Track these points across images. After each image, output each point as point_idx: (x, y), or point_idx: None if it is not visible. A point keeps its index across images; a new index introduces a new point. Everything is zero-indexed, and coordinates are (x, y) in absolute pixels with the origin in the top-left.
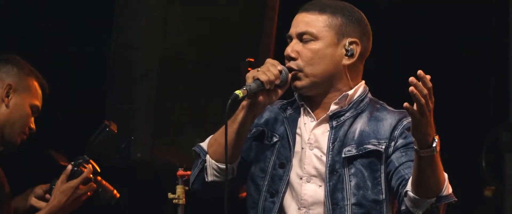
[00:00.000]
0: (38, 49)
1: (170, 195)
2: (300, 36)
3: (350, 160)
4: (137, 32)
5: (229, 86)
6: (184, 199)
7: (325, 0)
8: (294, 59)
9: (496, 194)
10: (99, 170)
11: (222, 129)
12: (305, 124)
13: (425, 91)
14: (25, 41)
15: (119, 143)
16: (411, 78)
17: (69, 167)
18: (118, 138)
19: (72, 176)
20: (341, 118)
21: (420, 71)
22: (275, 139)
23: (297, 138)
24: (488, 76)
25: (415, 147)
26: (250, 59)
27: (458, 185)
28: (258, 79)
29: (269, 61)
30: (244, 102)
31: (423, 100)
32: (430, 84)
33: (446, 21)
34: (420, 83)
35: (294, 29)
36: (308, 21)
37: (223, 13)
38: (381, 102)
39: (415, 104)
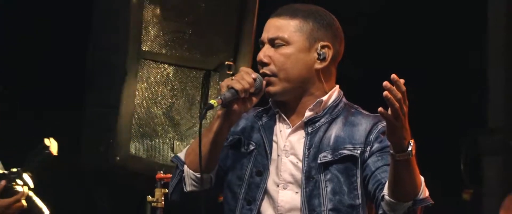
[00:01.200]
0: (14, 50)
1: (149, 198)
2: (272, 41)
3: (325, 166)
4: (115, 34)
5: (208, 89)
6: (163, 202)
7: (297, 5)
8: (266, 64)
9: (474, 197)
10: (32, 186)
11: (197, 138)
12: (280, 131)
13: (399, 95)
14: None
15: (98, 145)
16: (385, 83)
17: (3, 182)
18: (98, 141)
19: (5, 192)
20: (316, 124)
21: (393, 76)
22: (251, 147)
23: (274, 145)
24: (467, 81)
25: (391, 151)
26: (230, 62)
27: (437, 189)
28: (232, 88)
29: (243, 69)
30: (219, 112)
31: (397, 104)
32: (403, 88)
33: (424, 26)
34: (394, 87)
35: (265, 34)
36: (280, 26)
37: (202, 16)
38: (356, 106)
39: (389, 109)
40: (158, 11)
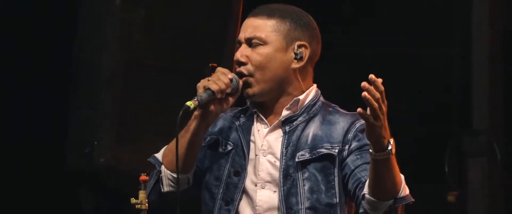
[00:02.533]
0: (1, 52)
1: (133, 200)
2: (249, 41)
3: (303, 164)
4: (101, 36)
5: (193, 92)
6: (146, 205)
7: (274, 5)
8: (244, 64)
9: (459, 199)
10: None
11: (174, 139)
12: (258, 130)
13: (377, 95)
14: None
15: (83, 147)
16: (363, 83)
17: None
18: (82, 142)
19: None
20: (294, 123)
21: (371, 76)
22: (229, 147)
23: (251, 145)
24: (451, 82)
25: (371, 150)
26: (214, 64)
27: (421, 191)
28: (209, 89)
29: (220, 69)
30: (196, 112)
31: (375, 104)
32: (382, 88)
33: (410, 26)
34: (372, 87)
35: (242, 34)
36: (256, 25)
37: (187, 18)
38: (334, 105)
39: (368, 109)
40: (143, 13)
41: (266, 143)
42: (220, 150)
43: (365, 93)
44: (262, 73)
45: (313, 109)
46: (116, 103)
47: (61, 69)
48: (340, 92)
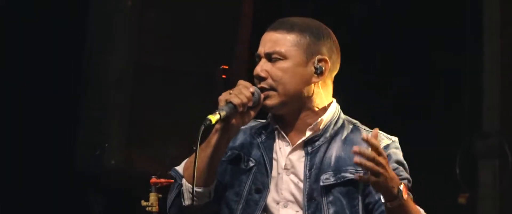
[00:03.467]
0: (9, 53)
1: (143, 203)
2: (269, 56)
3: (328, 188)
4: (111, 38)
5: (203, 93)
6: (157, 207)
7: (294, 18)
8: (264, 78)
9: (470, 201)
10: None
11: (197, 152)
12: (280, 148)
13: (372, 155)
14: None
15: (94, 149)
16: (354, 149)
17: None
18: (93, 144)
19: None
20: (316, 143)
21: (364, 135)
22: (251, 164)
23: (274, 163)
24: (462, 84)
25: (382, 201)
26: (225, 67)
27: (432, 192)
28: (230, 102)
29: (241, 83)
30: (218, 126)
31: (372, 165)
32: (377, 144)
33: (420, 29)
34: (364, 150)
35: (262, 48)
36: (276, 40)
37: (198, 20)
38: (354, 121)
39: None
40: (153, 15)
41: (289, 162)
42: (242, 166)
43: (358, 160)
44: (282, 88)
45: (335, 127)
46: (126, 105)
47: (71, 71)
48: (349, 94)
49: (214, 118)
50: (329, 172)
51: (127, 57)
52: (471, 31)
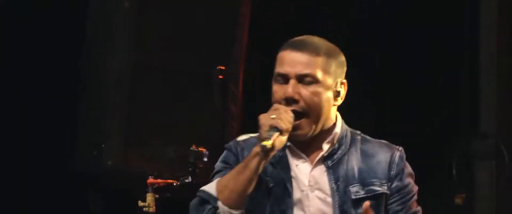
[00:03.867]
0: (8, 53)
1: (141, 203)
2: (301, 78)
3: (358, 201)
4: (110, 39)
5: (201, 94)
6: (154, 207)
7: (313, 39)
8: (296, 101)
9: (467, 201)
10: None
11: (231, 174)
12: (297, 165)
13: None
14: None
15: (92, 149)
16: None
17: None
18: (91, 144)
19: None
20: (334, 156)
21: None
22: (270, 184)
23: (293, 181)
24: (459, 84)
25: None
26: (222, 67)
27: (429, 193)
28: (276, 127)
29: (281, 107)
30: (257, 149)
31: None
32: None
33: (418, 30)
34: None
35: (291, 69)
36: (307, 62)
37: (196, 21)
38: (358, 132)
39: None
40: (152, 16)
41: (313, 178)
42: (260, 187)
43: None
44: (315, 113)
45: (346, 139)
46: (125, 105)
47: (70, 71)
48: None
49: (268, 144)
50: (356, 185)
51: (126, 57)
52: (468, 32)
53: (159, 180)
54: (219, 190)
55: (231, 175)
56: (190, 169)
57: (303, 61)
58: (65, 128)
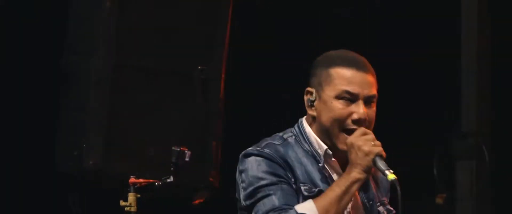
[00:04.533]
0: None
1: (122, 203)
2: (369, 100)
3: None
4: (90, 39)
5: (182, 94)
6: (136, 207)
7: (359, 56)
8: (364, 123)
9: (448, 201)
10: None
11: (331, 198)
12: (334, 180)
13: None
14: None
15: (72, 149)
16: None
17: None
18: (72, 145)
19: None
20: None
21: None
22: (317, 189)
23: None
24: (440, 85)
25: None
26: (203, 67)
27: (410, 193)
28: (381, 155)
29: (369, 132)
30: (358, 176)
31: None
32: None
33: (397, 30)
34: None
35: (361, 90)
36: (371, 83)
37: (177, 21)
38: None
39: None
40: (132, 17)
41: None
42: (313, 192)
43: None
44: (371, 131)
45: None
46: (105, 106)
47: (51, 72)
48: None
49: (392, 175)
50: (380, 205)
51: (107, 57)
52: (448, 32)
53: (140, 180)
54: (322, 212)
55: (331, 199)
56: (172, 168)
57: (369, 83)
58: (46, 128)
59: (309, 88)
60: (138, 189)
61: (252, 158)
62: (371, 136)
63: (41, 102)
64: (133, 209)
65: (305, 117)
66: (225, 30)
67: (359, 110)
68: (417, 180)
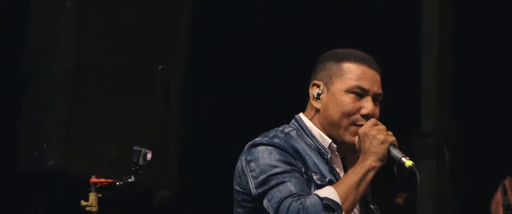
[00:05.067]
0: None
1: (83, 203)
2: (377, 98)
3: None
4: (51, 39)
5: (143, 94)
6: (97, 207)
7: (365, 53)
8: (371, 118)
9: (408, 201)
10: None
11: (349, 185)
12: (338, 173)
13: None
14: None
15: (33, 149)
16: None
17: None
18: (32, 144)
19: None
20: None
21: None
22: (322, 182)
23: None
24: (400, 84)
25: None
26: (164, 67)
27: (371, 193)
28: (394, 144)
29: (380, 124)
30: (373, 164)
31: None
32: None
33: (357, 29)
34: None
35: (371, 87)
36: (380, 82)
37: (138, 20)
38: None
39: None
40: (93, 15)
41: None
42: (317, 181)
43: None
44: None
45: None
46: (66, 105)
47: (12, 71)
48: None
49: (410, 161)
50: (372, 202)
51: (68, 57)
52: (408, 30)
53: (101, 179)
54: (342, 200)
55: (349, 185)
56: (133, 168)
57: (378, 81)
58: (6, 128)
59: (316, 82)
60: (99, 189)
61: (262, 147)
62: (383, 126)
63: (2, 101)
64: (94, 209)
65: (302, 113)
66: (186, 29)
67: (368, 105)
68: (377, 180)
